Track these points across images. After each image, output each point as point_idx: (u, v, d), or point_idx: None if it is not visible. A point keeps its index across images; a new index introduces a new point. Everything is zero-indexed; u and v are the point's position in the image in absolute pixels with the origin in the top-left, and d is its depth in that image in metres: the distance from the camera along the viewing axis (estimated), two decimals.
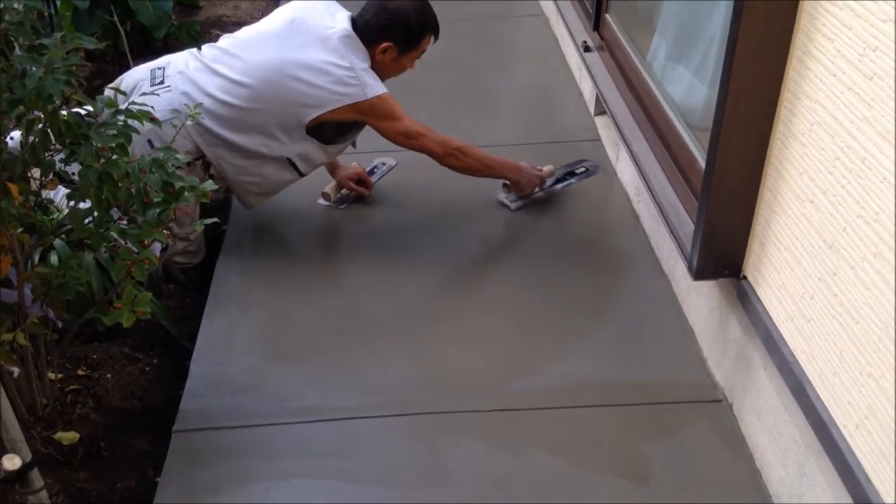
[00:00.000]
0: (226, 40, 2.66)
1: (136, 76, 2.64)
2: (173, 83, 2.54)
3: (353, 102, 2.52)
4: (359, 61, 2.54)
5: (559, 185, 2.95)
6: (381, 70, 2.63)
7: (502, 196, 2.89)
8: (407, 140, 2.66)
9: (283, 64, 2.50)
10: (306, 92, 2.50)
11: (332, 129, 2.63)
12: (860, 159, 1.49)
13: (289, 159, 2.62)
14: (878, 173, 1.43)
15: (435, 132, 2.69)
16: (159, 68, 2.61)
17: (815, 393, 1.65)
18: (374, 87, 2.54)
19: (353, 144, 2.83)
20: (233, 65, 2.54)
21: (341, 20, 2.58)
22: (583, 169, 3.00)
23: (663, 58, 2.72)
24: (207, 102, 2.48)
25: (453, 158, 2.69)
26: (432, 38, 2.68)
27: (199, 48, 2.64)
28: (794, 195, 1.74)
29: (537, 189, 2.90)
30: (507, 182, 2.85)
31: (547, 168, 2.93)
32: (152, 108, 1.83)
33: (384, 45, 2.58)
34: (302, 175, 2.71)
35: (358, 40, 2.55)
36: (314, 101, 2.51)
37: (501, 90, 3.77)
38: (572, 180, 2.97)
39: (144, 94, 2.28)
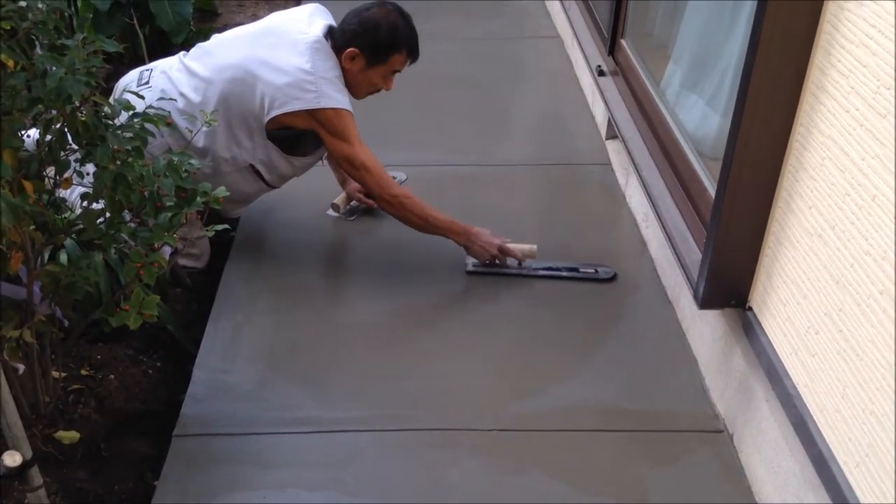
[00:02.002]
0: (213, 40, 2.68)
1: (128, 78, 2.69)
2: (154, 82, 2.58)
3: (307, 109, 2.46)
4: (325, 69, 2.49)
5: (546, 272, 2.63)
6: (351, 82, 2.58)
7: (467, 259, 2.66)
8: (350, 167, 2.59)
9: (247, 62, 2.50)
10: (263, 90, 2.47)
11: (299, 139, 2.60)
12: (870, 196, 1.50)
13: (252, 166, 2.61)
14: (888, 211, 1.44)
15: (382, 172, 2.58)
16: (147, 70, 2.67)
17: (817, 428, 1.65)
18: (333, 98, 2.48)
19: (323, 161, 2.80)
20: (206, 63, 2.57)
21: (317, 28, 2.55)
22: (592, 270, 2.62)
23: (677, 85, 2.74)
24: (180, 102, 2.50)
25: (388, 205, 2.61)
26: (407, 59, 2.58)
27: (188, 50, 2.67)
28: (802, 229, 1.74)
29: (515, 264, 2.64)
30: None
31: (525, 247, 2.64)
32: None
33: (350, 50, 2.52)
34: (269, 185, 2.70)
35: (328, 48, 2.52)
36: (270, 100, 2.47)
37: (514, 110, 3.79)
38: (564, 272, 2.61)
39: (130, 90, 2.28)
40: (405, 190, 2.65)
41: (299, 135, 2.58)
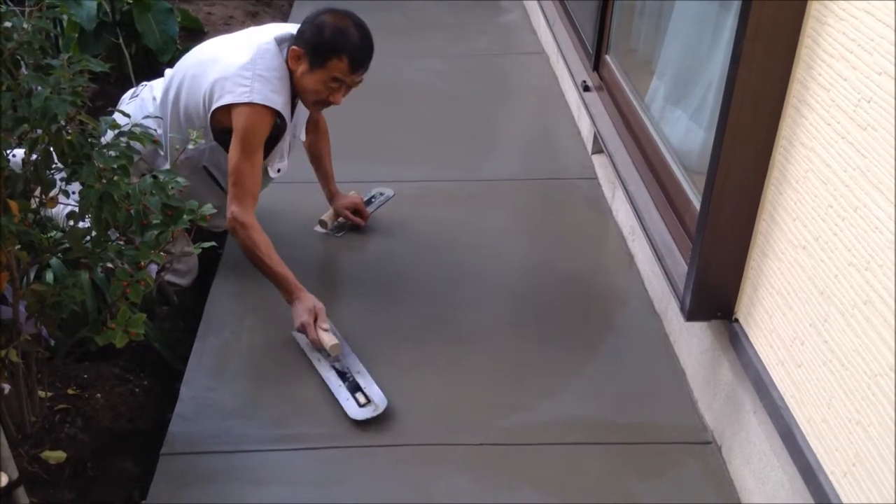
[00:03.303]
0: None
1: (126, 95, 2.72)
2: (141, 93, 2.65)
3: (232, 103, 2.38)
4: (265, 67, 2.40)
5: (334, 373, 2.30)
6: (298, 86, 2.47)
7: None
8: (228, 174, 2.44)
9: (203, 61, 2.51)
10: (206, 85, 2.44)
11: None
12: (853, 208, 1.51)
13: (205, 168, 2.62)
14: (870, 222, 1.45)
15: (246, 193, 2.41)
16: (143, 85, 2.72)
17: (804, 438, 1.66)
18: (263, 96, 2.37)
19: (268, 172, 2.62)
20: (175, 65, 2.61)
21: (275, 33, 2.49)
22: (364, 399, 2.20)
23: (661, 100, 2.76)
24: (152, 107, 2.56)
25: (229, 224, 2.43)
26: (350, 69, 2.39)
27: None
28: (786, 241, 1.76)
29: (323, 353, 2.36)
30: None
31: (325, 339, 2.32)
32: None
33: (294, 49, 2.41)
34: (225, 192, 2.63)
35: (277, 50, 2.45)
36: (210, 94, 2.43)
37: (500, 125, 3.81)
38: (336, 383, 2.26)
39: (118, 109, 2.28)
40: (251, 221, 2.41)
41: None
